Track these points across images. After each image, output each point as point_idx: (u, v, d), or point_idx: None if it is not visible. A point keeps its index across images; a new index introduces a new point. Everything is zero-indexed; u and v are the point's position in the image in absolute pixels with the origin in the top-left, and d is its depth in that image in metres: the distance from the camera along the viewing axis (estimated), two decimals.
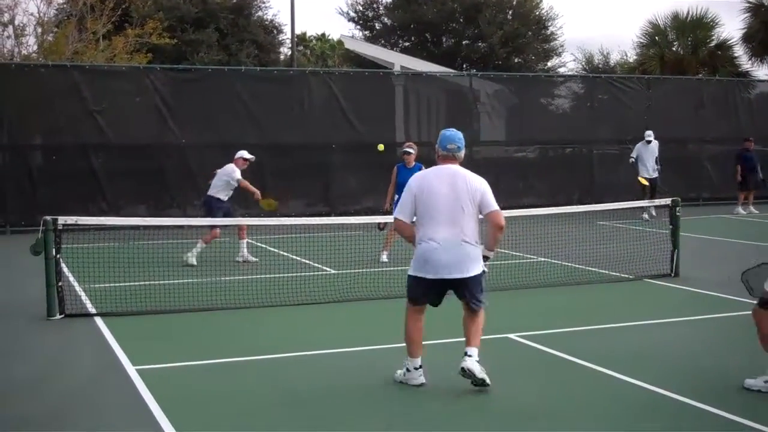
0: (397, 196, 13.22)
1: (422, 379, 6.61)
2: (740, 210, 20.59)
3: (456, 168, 6.64)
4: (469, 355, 6.42)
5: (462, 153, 6.73)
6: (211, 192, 13.19)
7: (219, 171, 13.30)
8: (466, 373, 6.36)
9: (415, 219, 6.62)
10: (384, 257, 13.13)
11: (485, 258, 6.62)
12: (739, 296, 10.02)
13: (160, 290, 10.19)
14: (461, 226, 6.44)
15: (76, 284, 10.82)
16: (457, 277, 6.42)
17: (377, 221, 12.58)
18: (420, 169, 13.22)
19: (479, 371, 6.36)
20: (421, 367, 6.61)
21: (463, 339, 6.62)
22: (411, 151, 13.18)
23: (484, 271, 6.57)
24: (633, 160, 19.77)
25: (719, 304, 9.55)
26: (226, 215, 12.98)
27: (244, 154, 13.51)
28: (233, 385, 6.79)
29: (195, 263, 12.64)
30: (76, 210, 14.63)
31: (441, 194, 6.48)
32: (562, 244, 13.10)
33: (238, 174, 13.14)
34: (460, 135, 6.76)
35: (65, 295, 9.35)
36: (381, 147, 11.59)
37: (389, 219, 12.45)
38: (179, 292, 10.13)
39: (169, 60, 27.12)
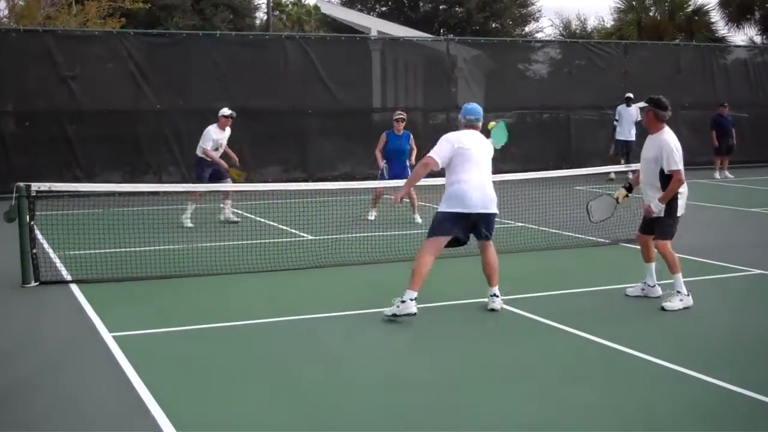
0: (384, 161, 13.38)
1: (415, 309, 7.43)
2: (716, 175, 20.72)
3: (478, 133, 7.99)
4: (496, 295, 7.85)
5: (480, 124, 8.04)
6: (197, 152, 13.46)
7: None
8: (496, 310, 7.79)
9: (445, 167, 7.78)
10: (371, 216, 13.53)
11: None
12: (716, 260, 10.12)
13: (135, 257, 10.12)
14: (487, 175, 7.83)
15: (50, 251, 10.73)
16: (484, 212, 7.71)
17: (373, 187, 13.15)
18: (409, 136, 13.32)
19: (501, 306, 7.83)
20: (415, 299, 7.43)
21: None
22: (404, 117, 13.55)
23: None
24: (616, 122, 20.01)
25: (696, 269, 9.60)
26: (214, 174, 13.19)
27: (223, 111, 13.50)
28: (210, 351, 6.78)
29: (191, 225, 12.93)
30: (50, 177, 14.46)
31: (474, 148, 7.79)
32: (539, 209, 13.12)
33: (207, 142, 13.21)
34: (480, 109, 8.10)
35: (40, 262, 9.25)
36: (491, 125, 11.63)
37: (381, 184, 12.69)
38: (155, 258, 10.07)
39: (143, 25, 26.82)
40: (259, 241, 11.40)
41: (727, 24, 34.97)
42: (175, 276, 9.52)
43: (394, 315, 7.43)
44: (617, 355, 6.57)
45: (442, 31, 36.86)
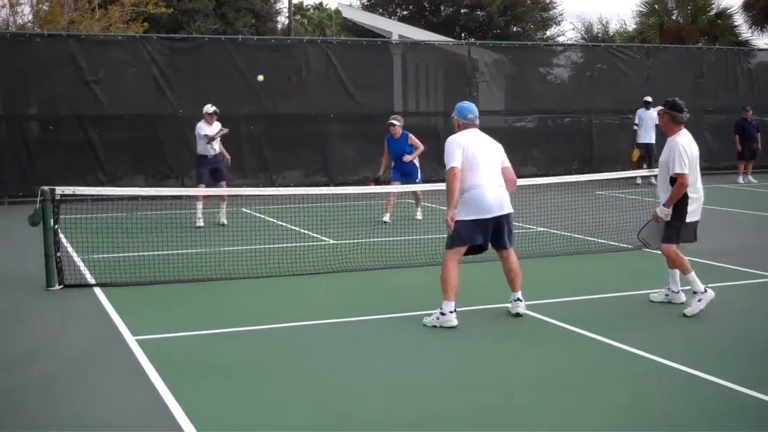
0: (392, 163, 13.85)
1: (456, 321, 7.40)
2: (740, 180, 20.58)
3: (480, 132, 7.86)
4: (520, 299, 7.83)
5: (478, 121, 7.89)
6: (197, 150, 13.87)
7: None
8: (520, 315, 7.79)
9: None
10: (386, 218, 13.68)
11: None
12: (739, 266, 10.05)
13: (158, 260, 10.18)
14: (498, 176, 7.70)
15: (74, 255, 10.80)
16: (501, 213, 7.59)
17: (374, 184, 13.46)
18: (407, 137, 13.74)
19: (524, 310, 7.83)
20: (455, 311, 7.42)
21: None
22: (395, 123, 13.85)
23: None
24: (636, 126, 20.01)
25: (720, 274, 9.54)
26: (214, 171, 13.58)
27: (206, 108, 13.83)
28: (230, 354, 6.81)
29: (202, 224, 13.34)
30: (73, 180, 14.61)
31: (481, 150, 7.66)
32: (562, 214, 13.08)
33: (202, 128, 13.64)
34: (475, 106, 7.99)
35: (64, 266, 9.33)
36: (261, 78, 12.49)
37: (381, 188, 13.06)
38: (178, 262, 10.13)
39: (166, 29, 26.96)
40: (281, 245, 11.43)
41: (750, 27, 34.70)
42: (197, 280, 9.57)
43: (434, 326, 7.44)
44: (639, 360, 6.54)
45: (463, 35, 36.85)
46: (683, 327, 7.50)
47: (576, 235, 12.28)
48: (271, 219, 14.36)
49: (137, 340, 7.11)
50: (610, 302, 8.57)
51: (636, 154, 19.74)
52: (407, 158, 13.69)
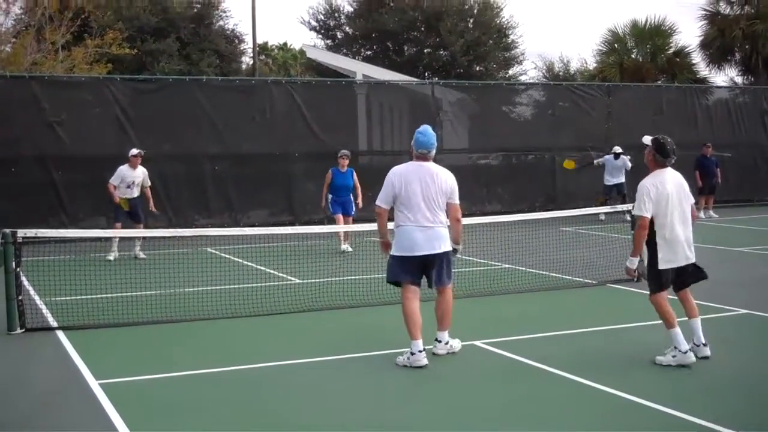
0: (331, 196, 15.12)
1: (425, 361, 7.35)
2: (701, 215, 20.83)
3: (429, 165, 7.62)
4: (439, 341, 7.71)
5: (433, 152, 7.65)
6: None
7: None
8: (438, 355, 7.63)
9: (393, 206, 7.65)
10: (346, 246, 14.72)
11: (455, 251, 7.71)
12: (706, 301, 10.12)
13: (121, 302, 10.07)
14: (434, 213, 7.48)
15: (36, 297, 10.66)
16: (430, 253, 7.43)
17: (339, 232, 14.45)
18: (352, 173, 15.09)
19: (446, 351, 7.71)
20: (423, 350, 7.37)
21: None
22: (347, 155, 15.18)
23: (455, 250, 7.69)
24: (598, 162, 20.40)
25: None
26: (130, 214, 14.39)
27: (132, 151, 14.45)
28: (197, 397, 6.72)
29: (114, 257, 14.10)
30: (35, 222, 14.48)
31: (418, 187, 7.49)
32: (526, 251, 13.16)
33: (114, 178, 14.31)
34: (433, 138, 7.66)
35: (26, 309, 9.19)
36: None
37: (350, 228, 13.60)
38: (141, 304, 10.02)
39: (130, 70, 26.94)
40: (246, 285, 11.37)
41: (708, 65, 35.43)
42: (162, 322, 9.47)
43: (405, 366, 7.39)
44: (609, 398, 6.54)
45: (426, 74, 37.19)
46: (652, 364, 7.52)
47: (541, 272, 12.33)
48: (236, 259, 14.28)
49: (100, 384, 7.00)
50: (577, 338, 8.58)
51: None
52: (359, 200, 15.17)
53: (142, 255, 14.40)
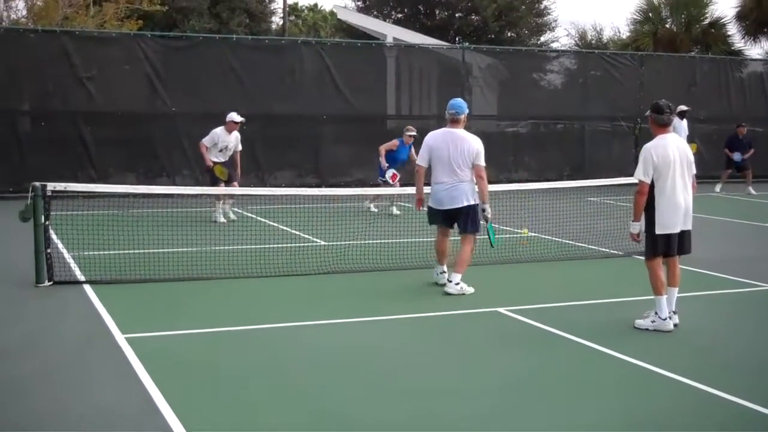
0: (387, 164, 15.12)
1: (445, 277, 8.99)
2: (751, 190, 20.29)
3: (457, 131, 8.99)
4: (450, 281, 8.86)
5: (461, 116, 9.04)
6: None
7: None
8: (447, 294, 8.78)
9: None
10: (373, 207, 15.24)
11: (483, 210, 8.91)
12: (730, 275, 10.07)
13: (149, 259, 10.15)
14: (457, 172, 8.83)
15: (64, 251, 10.77)
16: (451, 207, 8.91)
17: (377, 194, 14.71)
18: (410, 149, 15.02)
19: (457, 292, 8.79)
20: (444, 272, 9.11)
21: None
22: (415, 134, 14.95)
23: (484, 210, 8.90)
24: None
25: (708, 282, 9.58)
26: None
27: (232, 116, 13.93)
28: (221, 354, 6.79)
29: (224, 220, 13.90)
30: (64, 177, 14.59)
31: (446, 149, 8.88)
32: (552, 220, 13.10)
33: (206, 138, 13.93)
34: (462, 103, 9.19)
35: (54, 262, 9.30)
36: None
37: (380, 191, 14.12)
38: (168, 260, 10.10)
39: (160, 27, 26.93)
40: (272, 246, 11.42)
41: (743, 37, 34.78)
42: (188, 279, 9.55)
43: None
44: (629, 366, 6.54)
45: (457, 39, 36.86)
46: (673, 335, 7.50)
47: (566, 241, 12.29)
48: (262, 219, 14.34)
49: (126, 338, 7.09)
50: (600, 308, 8.58)
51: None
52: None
53: (232, 216, 14.18)
